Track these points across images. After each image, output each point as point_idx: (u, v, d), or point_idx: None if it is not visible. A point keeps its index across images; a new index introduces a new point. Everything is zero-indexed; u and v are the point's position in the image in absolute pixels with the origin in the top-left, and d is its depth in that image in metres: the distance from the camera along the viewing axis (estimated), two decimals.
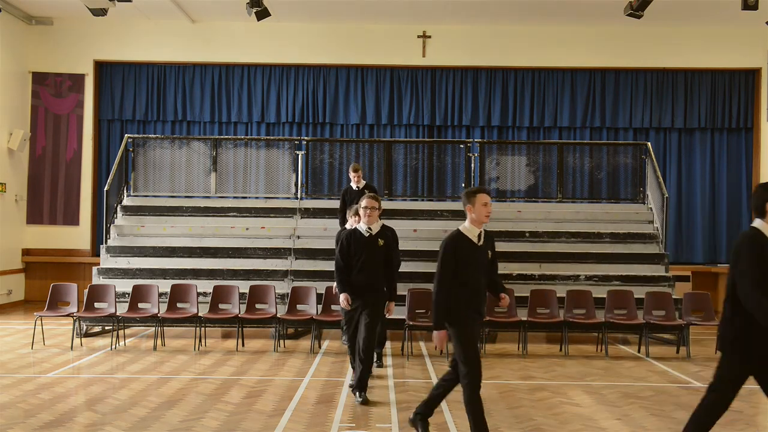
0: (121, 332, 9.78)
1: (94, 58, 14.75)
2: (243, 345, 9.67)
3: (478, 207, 5.23)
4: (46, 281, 12.77)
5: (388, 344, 9.98)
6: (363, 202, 6.87)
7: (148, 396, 6.92)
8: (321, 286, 10.05)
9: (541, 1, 13.33)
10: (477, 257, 5.23)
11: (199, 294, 9.90)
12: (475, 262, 5.21)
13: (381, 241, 6.88)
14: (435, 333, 5.19)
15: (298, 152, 12.63)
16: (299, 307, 9.79)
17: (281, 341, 9.68)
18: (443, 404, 6.70)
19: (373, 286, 6.86)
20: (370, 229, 6.90)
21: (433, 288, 5.24)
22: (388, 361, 8.83)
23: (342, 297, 6.92)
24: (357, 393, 6.75)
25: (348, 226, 8.20)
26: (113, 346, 9.45)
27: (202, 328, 9.71)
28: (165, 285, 10.19)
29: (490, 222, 12.05)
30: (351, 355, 7.12)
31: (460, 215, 12.27)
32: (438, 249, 5.37)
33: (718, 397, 4.77)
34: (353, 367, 7.06)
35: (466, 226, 5.28)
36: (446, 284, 5.16)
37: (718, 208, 14.93)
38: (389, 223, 8.34)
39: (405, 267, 9.89)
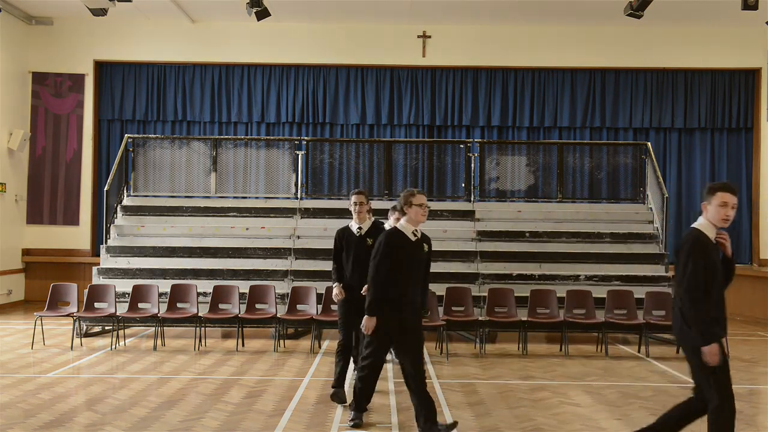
0: (121, 332, 9.77)
1: (94, 58, 14.75)
2: (243, 345, 9.67)
3: (714, 206, 4.49)
4: (46, 281, 12.75)
5: None
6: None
7: (148, 396, 6.92)
8: (321, 286, 10.05)
9: (541, 1, 13.33)
10: (719, 261, 4.53)
11: (199, 294, 9.90)
12: (718, 266, 4.50)
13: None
14: (707, 349, 4.34)
15: (298, 152, 12.64)
16: (299, 307, 9.80)
17: (281, 341, 9.68)
18: (443, 406, 6.70)
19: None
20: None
21: (682, 298, 4.43)
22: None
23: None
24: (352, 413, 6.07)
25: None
26: (113, 346, 9.45)
27: (202, 328, 9.71)
28: (165, 285, 10.19)
29: (489, 221, 12.17)
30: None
31: (459, 215, 12.29)
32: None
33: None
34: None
35: (702, 223, 4.54)
36: (701, 289, 4.37)
37: None
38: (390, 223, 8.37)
39: None
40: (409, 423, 6.06)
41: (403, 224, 5.67)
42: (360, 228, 6.73)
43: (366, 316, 5.57)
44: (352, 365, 6.97)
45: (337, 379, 6.68)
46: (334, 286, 6.80)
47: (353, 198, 6.77)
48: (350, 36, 14.81)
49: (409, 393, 5.61)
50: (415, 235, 5.65)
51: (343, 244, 6.76)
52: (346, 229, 6.81)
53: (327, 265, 10.90)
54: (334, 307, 9.69)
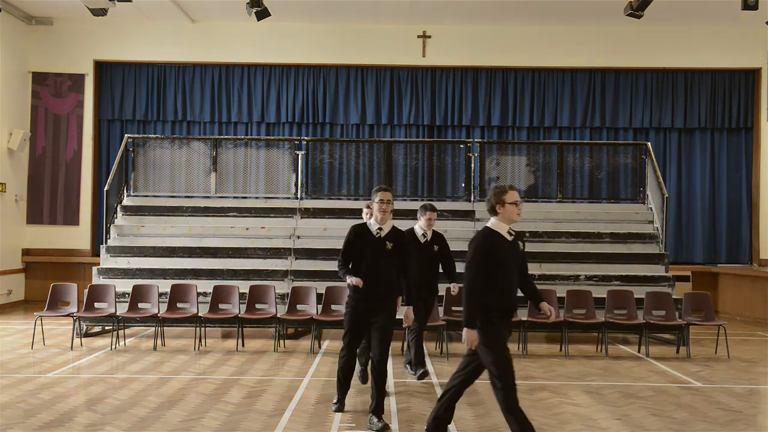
0: (121, 332, 9.77)
1: (94, 58, 14.75)
2: (243, 345, 9.67)
3: None
4: (46, 281, 12.75)
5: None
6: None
7: (148, 396, 6.92)
8: (321, 286, 10.05)
9: (541, 1, 13.33)
10: None
11: (199, 294, 9.90)
12: None
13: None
14: None
15: (298, 152, 12.63)
16: (299, 307, 9.79)
17: (281, 341, 9.68)
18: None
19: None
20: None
21: None
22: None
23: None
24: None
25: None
26: (113, 346, 9.45)
27: (202, 328, 9.71)
28: (165, 285, 10.19)
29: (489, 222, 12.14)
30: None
31: (460, 215, 12.28)
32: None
33: None
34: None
35: None
36: None
37: (718, 208, 14.93)
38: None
39: None
40: (408, 423, 6.06)
41: (495, 223, 5.13)
42: (380, 229, 6.09)
43: (466, 329, 5.03)
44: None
45: (340, 396, 6.33)
46: (348, 278, 6.02)
47: (380, 195, 6.03)
48: (350, 36, 14.81)
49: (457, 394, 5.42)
50: (511, 234, 5.14)
51: (359, 244, 6.08)
52: (363, 228, 6.14)
53: (327, 265, 10.97)
54: (334, 306, 9.70)
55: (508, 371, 5.13)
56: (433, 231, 8.02)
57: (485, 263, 5.03)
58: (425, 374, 7.47)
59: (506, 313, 5.21)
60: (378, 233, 6.05)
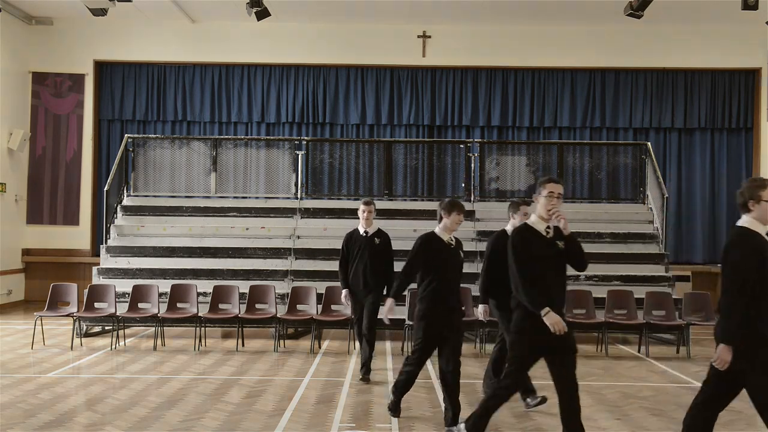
0: (121, 332, 9.77)
1: (94, 58, 14.75)
2: (243, 345, 9.66)
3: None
4: (46, 281, 12.70)
5: (388, 344, 9.99)
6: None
7: (148, 396, 6.92)
8: (321, 286, 10.05)
9: (541, 2, 13.33)
10: None
11: (199, 294, 9.89)
12: None
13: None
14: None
15: (298, 152, 12.64)
16: (299, 307, 9.79)
17: (281, 341, 9.68)
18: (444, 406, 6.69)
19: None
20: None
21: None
22: (388, 362, 8.83)
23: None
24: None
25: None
26: (113, 346, 9.45)
27: (202, 328, 9.70)
28: (165, 285, 10.18)
29: (491, 222, 12.16)
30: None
31: None
32: None
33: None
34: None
35: None
36: None
37: (718, 208, 14.92)
38: (390, 223, 8.34)
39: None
40: (408, 424, 6.06)
41: (750, 221, 4.23)
42: (549, 228, 5.03)
43: (722, 346, 4.28)
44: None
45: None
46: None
47: (549, 187, 4.96)
48: (350, 36, 14.80)
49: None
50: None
51: (533, 249, 4.96)
52: (530, 230, 5.00)
53: (327, 265, 10.97)
54: (334, 307, 9.69)
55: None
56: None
57: (752, 272, 4.04)
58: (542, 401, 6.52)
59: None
60: (547, 232, 4.94)
